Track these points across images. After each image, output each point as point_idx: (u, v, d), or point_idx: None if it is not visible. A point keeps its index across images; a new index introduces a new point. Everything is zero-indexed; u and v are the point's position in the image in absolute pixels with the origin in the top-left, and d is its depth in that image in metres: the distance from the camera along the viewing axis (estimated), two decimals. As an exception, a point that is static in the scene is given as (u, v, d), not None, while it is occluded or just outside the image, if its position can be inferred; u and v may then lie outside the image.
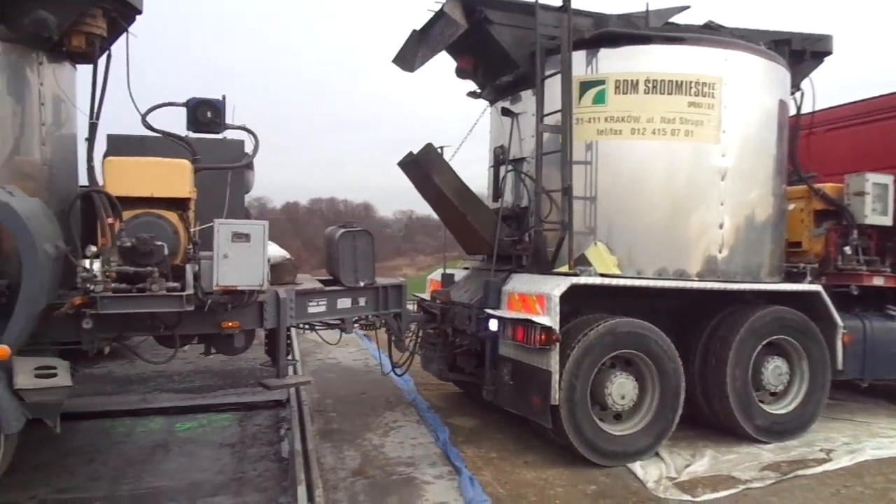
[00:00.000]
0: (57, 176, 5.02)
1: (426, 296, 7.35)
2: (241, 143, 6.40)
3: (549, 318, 5.30)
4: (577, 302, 5.64)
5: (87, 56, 4.96)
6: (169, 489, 4.95)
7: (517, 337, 5.56)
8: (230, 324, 5.09)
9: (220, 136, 6.26)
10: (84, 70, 5.45)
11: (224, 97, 6.11)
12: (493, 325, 5.89)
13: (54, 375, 4.35)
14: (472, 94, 7.29)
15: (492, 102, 7.27)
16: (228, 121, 6.16)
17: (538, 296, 5.50)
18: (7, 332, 4.11)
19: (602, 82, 6.00)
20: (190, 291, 4.65)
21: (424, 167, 6.23)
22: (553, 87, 6.01)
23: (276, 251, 5.75)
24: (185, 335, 5.11)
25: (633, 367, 5.77)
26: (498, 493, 4.97)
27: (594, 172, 6.08)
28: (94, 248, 4.44)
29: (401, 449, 5.88)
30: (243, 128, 6.26)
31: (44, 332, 4.56)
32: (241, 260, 4.72)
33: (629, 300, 5.85)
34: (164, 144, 5.58)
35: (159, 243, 4.63)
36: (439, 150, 6.94)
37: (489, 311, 5.91)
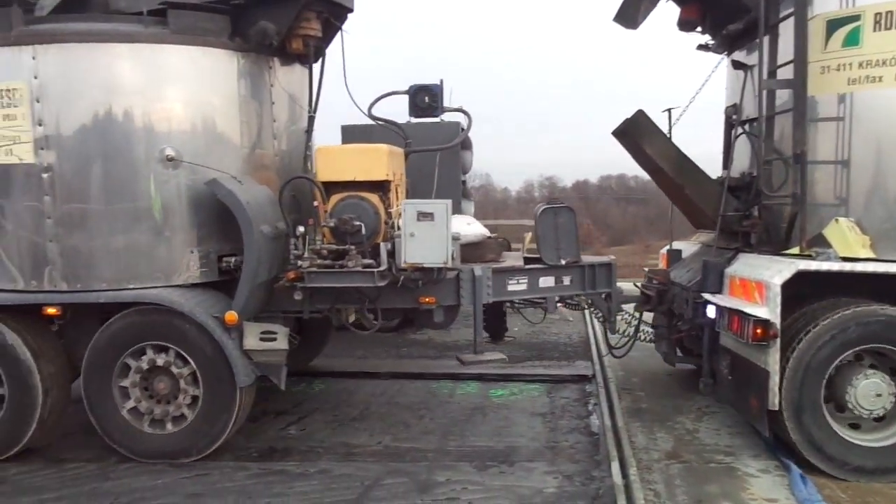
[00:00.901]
0: (289, 165, 5.76)
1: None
2: (457, 124, 6.65)
3: (768, 310, 4.58)
4: (820, 286, 4.77)
5: (306, 56, 5.57)
6: (489, 449, 5.39)
7: (733, 327, 4.92)
8: (427, 299, 5.39)
9: (437, 119, 6.61)
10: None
11: (441, 81, 6.43)
12: (711, 311, 5.28)
13: (274, 340, 5.08)
14: (703, 48, 6.51)
15: (728, 54, 6.41)
16: (446, 104, 6.47)
17: (757, 282, 4.79)
18: (235, 301, 4.93)
19: (856, 18, 4.89)
20: (383, 268, 5.02)
21: (634, 136, 5.80)
22: (791, 32, 5.08)
23: (476, 230, 5.90)
24: (388, 309, 5.54)
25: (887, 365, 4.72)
26: (837, 496, 4.42)
27: (846, 131, 5.02)
28: (301, 229, 5.03)
29: (717, 436, 5.51)
30: (460, 109, 6.52)
31: (273, 303, 5.34)
32: (426, 238, 4.96)
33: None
34: (388, 131, 6.08)
35: (357, 223, 5.09)
36: (668, 112, 6.44)
37: (706, 295, 5.31)
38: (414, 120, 6.58)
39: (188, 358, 5.02)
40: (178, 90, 5.11)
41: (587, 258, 6.12)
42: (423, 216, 4.96)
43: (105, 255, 5.01)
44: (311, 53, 5.53)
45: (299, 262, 5.01)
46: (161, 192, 5.05)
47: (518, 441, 5.56)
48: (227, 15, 5.23)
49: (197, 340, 4.97)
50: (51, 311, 5.10)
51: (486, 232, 6.00)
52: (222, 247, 5.24)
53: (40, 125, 4.88)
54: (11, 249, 5.09)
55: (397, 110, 6.43)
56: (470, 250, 5.83)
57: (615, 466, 4.69)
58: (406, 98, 6.18)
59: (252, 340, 5.05)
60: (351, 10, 5.76)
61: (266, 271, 5.05)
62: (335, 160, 5.35)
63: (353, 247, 5.05)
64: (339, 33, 5.80)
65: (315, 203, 5.18)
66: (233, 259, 5.16)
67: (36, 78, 4.85)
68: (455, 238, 5.25)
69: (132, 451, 5.12)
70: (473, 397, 6.75)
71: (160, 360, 5.05)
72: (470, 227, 5.86)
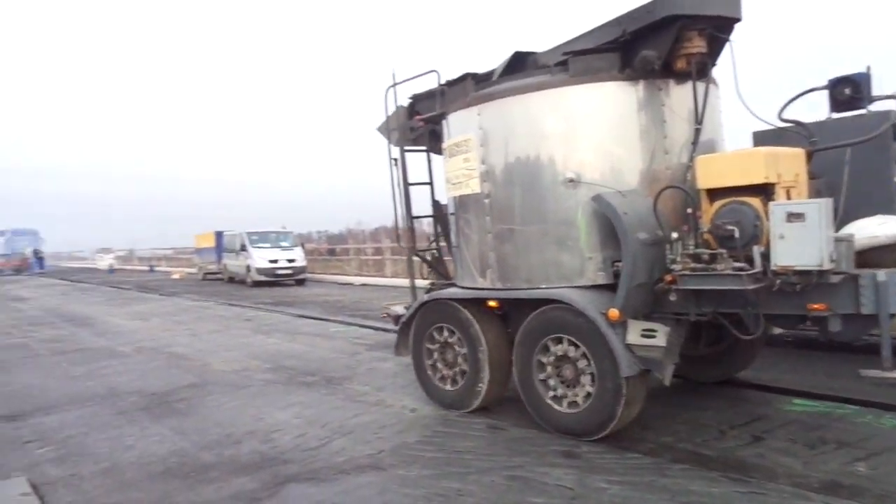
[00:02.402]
0: (680, 177, 6.20)
1: None
2: (886, 113, 6.00)
3: None
4: None
5: (692, 73, 5.97)
6: None
7: None
8: (816, 306, 5.15)
9: (863, 111, 6.16)
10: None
11: (868, 68, 6.02)
12: None
13: (654, 337, 5.63)
14: None
15: None
16: (877, 92, 6.03)
17: None
18: (615, 300, 5.70)
19: None
20: (754, 270, 5.06)
21: None
22: None
23: (890, 230, 5.23)
24: (776, 315, 5.45)
25: None
26: None
27: None
28: (675, 235, 5.47)
29: None
30: (893, 97, 5.96)
31: (663, 304, 5.87)
32: (797, 239, 4.86)
33: None
34: (802, 133, 6.02)
35: (730, 227, 5.29)
36: None
37: None
38: (834, 115, 6.23)
39: (584, 349, 5.96)
40: (579, 122, 6.19)
41: None
42: (794, 217, 4.85)
43: (525, 260, 6.39)
44: (694, 70, 5.89)
45: (673, 266, 5.45)
46: (564, 209, 6.16)
47: None
48: (616, 52, 6.06)
49: (590, 334, 5.87)
50: (491, 303, 6.76)
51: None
52: (615, 253, 6.03)
53: (483, 163, 6.60)
54: (472, 257, 6.95)
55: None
56: (883, 253, 5.24)
57: None
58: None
59: (634, 336, 5.70)
60: (738, 20, 5.91)
61: (644, 274, 5.65)
62: (713, 167, 5.63)
63: (724, 250, 5.23)
64: (726, 44, 5.99)
65: (688, 210, 5.53)
66: (621, 263, 5.89)
67: (480, 129, 6.60)
68: (842, 239, 4.89)
69: (549, 425, 6.28)
70: None
71: (563, 351, 6.11)
72: (881, 227, 5.25)
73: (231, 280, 29.94)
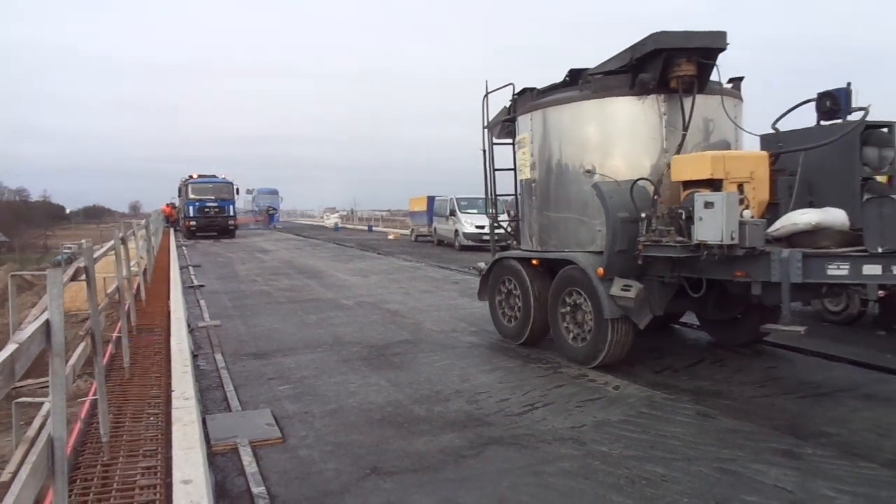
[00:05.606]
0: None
1: None
2: (852, 122, 7.23)
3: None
4: None
5: (686, 90, 7.64)
6: None
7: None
8: (739, 273, 6.76)
9: (838, 121, 7.45)
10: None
11: (849, 84, 7.36)
12: None
13: (628, 291, 7.55)
14: None
15: None
16: (856, 105, 7.34)
17: None
18: (601, 261, 7.71)
19: None
20: (690, 244, 6.81)
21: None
22: None
23: (808, 219, 6.57)
24: (714, 280, 7.10)
25: None
26: None
27: None
28: (643, 215, 7.31)
29: None
30: (862, 108, 7.25)
31: (645, 269, 7.71)
32: (710, 221, 6.55)
33: None
34: (800, 137, 7.49)
35: (679, 210, 7.03)
36: None
37: None
38: (820, 124, 7.52)
39: (587, 297, 8.00)
40: (596, 127, 8.23)
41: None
42: (707, 204, 6.55)
43: (556, 230, 8.57)
44: (680, 88, 7.58)
45: (639, 238, 7.31)
46: (583, 192, 8.21)
47: None
48: (626, 74, 7.92)
49: (589, 286, 7.90)
50: (534, 262, 9.01)
51: (813, 221, 6.53)
52: (618, 228, 7.95)
53: (532, 156, 8.85)
54: (526, 226, 9.27)
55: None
56: (803, 237, 6.63)
57: None
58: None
59: (616, 289, 7.68)
60: (722, 50, 7.47)
61: (624, 243, 7.60)
62: (679, 166, 7.39)
63: (672, 228, 7.00)
64: (713, 68, 7.59)
65: (654, 196, 7.33)
66: (616, 235, 7.83)
67: (531, 130, 8.87)
68: (746, 223, 6.45)
69: (564, 355, 8.42)
70: None
71: (576, 300, 8.20)
72: (802, 216, 6.62)
73: (440, 243, 31.43)
